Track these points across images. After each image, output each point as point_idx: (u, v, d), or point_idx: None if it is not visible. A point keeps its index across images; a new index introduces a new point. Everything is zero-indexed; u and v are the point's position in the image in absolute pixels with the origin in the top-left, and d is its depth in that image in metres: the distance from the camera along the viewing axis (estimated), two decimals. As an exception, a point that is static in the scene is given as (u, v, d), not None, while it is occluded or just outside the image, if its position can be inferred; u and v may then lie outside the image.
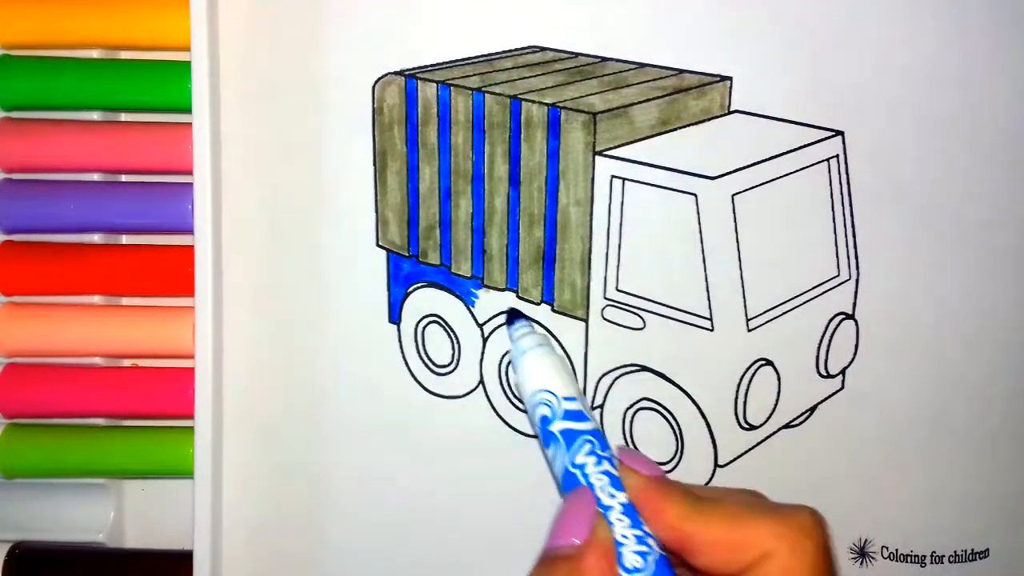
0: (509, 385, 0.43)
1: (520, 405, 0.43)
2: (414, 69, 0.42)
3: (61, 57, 0.45)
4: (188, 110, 0.42)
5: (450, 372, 0.44)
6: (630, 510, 0.31)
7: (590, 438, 0.32)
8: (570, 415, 0.32)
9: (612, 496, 0.31)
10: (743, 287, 0.40)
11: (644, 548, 0.30)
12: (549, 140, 0.40)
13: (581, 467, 0.31)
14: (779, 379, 0.41)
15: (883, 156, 0.41)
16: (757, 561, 0.28)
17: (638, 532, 0.30)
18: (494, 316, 0.43)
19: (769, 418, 0.42)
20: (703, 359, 0.40)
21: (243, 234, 0.43)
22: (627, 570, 0.30)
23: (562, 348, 0.42)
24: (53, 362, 0.47)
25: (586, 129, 0.39)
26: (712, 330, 0.40)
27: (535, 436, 0.43)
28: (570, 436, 0.32)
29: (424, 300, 0.44)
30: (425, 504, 0.44)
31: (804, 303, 0.41)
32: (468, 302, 0.43)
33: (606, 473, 0.31)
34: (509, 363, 0.43)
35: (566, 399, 0.33)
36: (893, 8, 0.40)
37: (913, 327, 0.42)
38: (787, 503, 0.30)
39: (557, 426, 0.32)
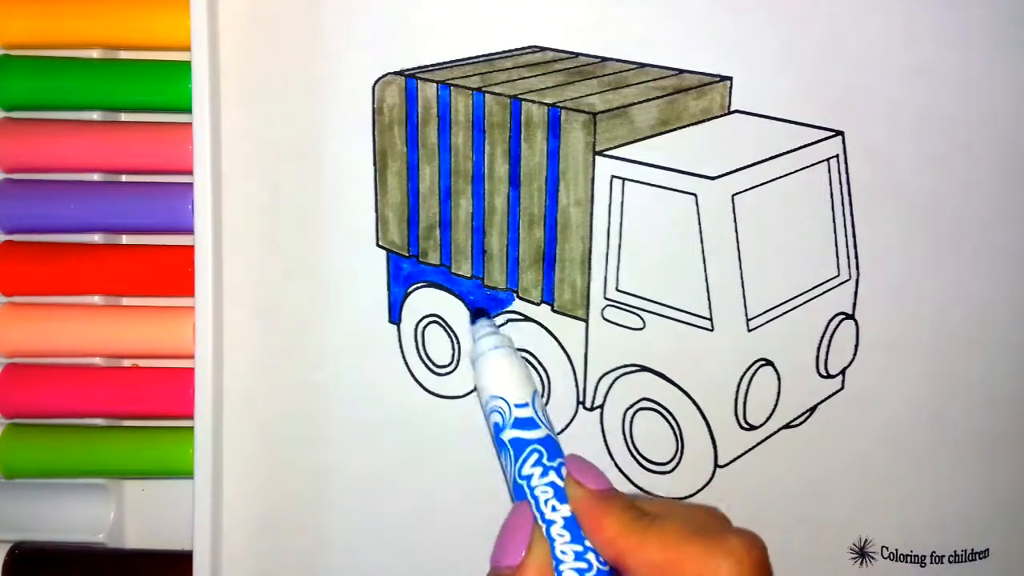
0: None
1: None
2: (414, 69, 0.42)
3: (61, 57, 0.45)
4: (188, 110, 0.42)
5: (450, 372, 0.44)
6: (571, 524, 0.30)
7: (538, 448, 0.32)
8: (520, 423, 0.32)
9: (555, 510, 0.30)
10: (743, 287, 0.40)
11: (582, 565, 0.29)
12: (549, 140, 0.40)
13: (528, 479, 0.31)
14: (779, 379, 0.41)
15: (883, 156, 0.41)
16: None
17: (577, 548, 0.30)
18: (496, 315, 0.43)
19: (769, 418, 0.42)
20: (703, 359, 0.40)
21: (243, 234, 0.43)
22: None
23: (561, 348, 0.42)
24: (53, 362, 0.47)
25: (586, 129, 0.39)
26: (712, 330, 0.40)
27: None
28: (519, 445, 0.32)
29: (424, 300, 0.44)
30: (425, 504, 0.44)
31: (804, 303, 0.41)
32: (468, 302, 0.43)
33: (551, 485, 0.31)
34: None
35: (518, 406, 0.32)
36: (893, 8, 0.40)
37: (913, 327, 0.42)
38: (732, 527, 0.30)
39: (507, 435, 0.32)
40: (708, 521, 0.30)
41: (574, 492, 0.31)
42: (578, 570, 0.30)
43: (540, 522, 0.31)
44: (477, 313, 0.37)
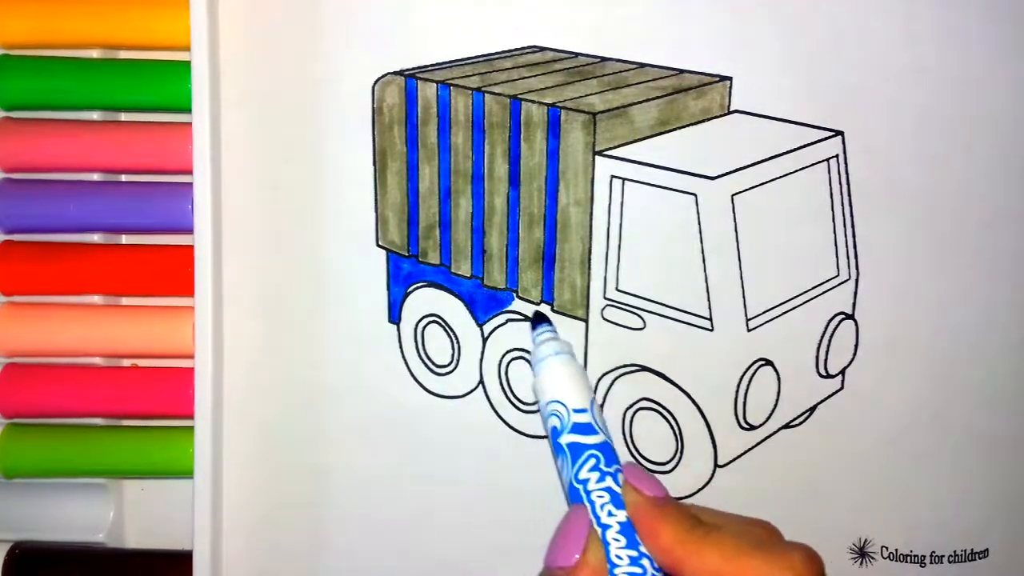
0: (509, 385, 0.43)
1: (520, 405, 0.43)
2: (414, 69, 0.42)
3: (61, 57, 0.45)
4: (188, 110, 0.42)
5: (450, 372, 0.44)
6: (628, 529, 0.30)
7: (596, 453, 0.32)
8: (578, 428, 0.32)
9: (611, 515, 0.31)
10: (743, 287, 0.40)
11: (637, 570, 0.30)
12: (549, 140, 0.40)
13: (584, 483, 0.31)
14: (779, 379, 0.41)
15: (883, 156, 0.41)
16: None
17: (632, 553, 0.30)
18: (495, 314, 0.43)
19: (769, 418, 0.42)
20: (703, 359, 0.40)
21: (243, 234, 0.43)
22: None
23: (562, 348, 0.42)
24: (53, 362, 0.47)
25: (586, 129, 0.39)
26: (712, 330, 0.40)
27: (539, 437, 0.43)
28: (576, 450, 0.32)
29: (424, 300, 0.44)
30: (425, 504, 0.44)
31: (804, 303, 0.41)
32: (468, 301, 0.43)
33: (608, 490, 0.31)
34: (509, 363, 0.43)
35: (576, 411, 0.32)
36: (892, 8, 0.40)
37: (913, 327, 0.42)
38: (788, 541, 0.30)
39: (565, 439, 0.32)
40: (765, 535, 0.30)
41: (631, 498, 0.31)
42: (632, 575, 0.30)
43: (596, 526, 0.31)
44: (537, 317, 0.37)
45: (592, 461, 0.32)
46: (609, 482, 0.31)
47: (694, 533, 0.29)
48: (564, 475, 0.32)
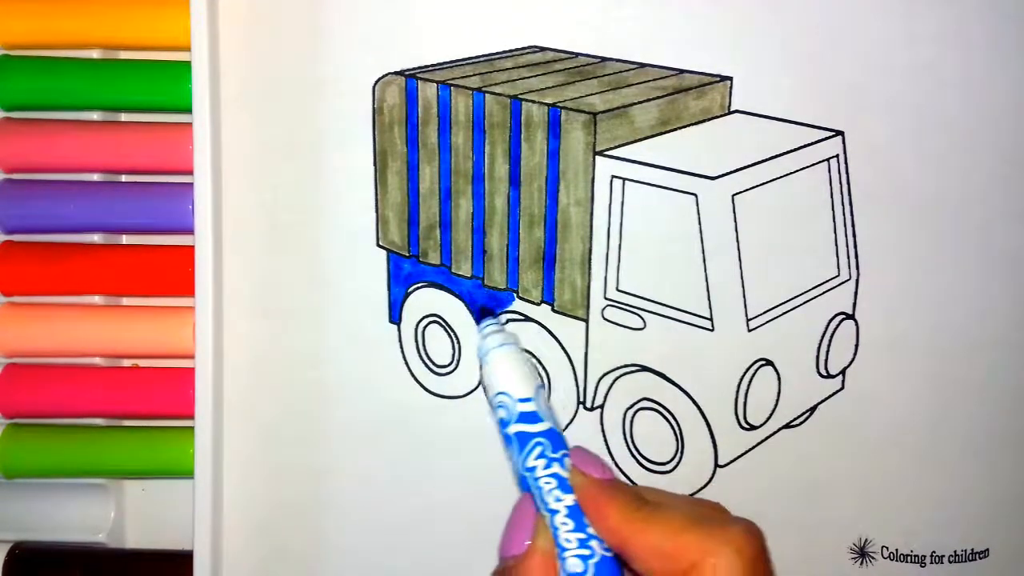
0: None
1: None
2: (414, 69, 0.42)
3: (61, 57, 0.45)
4: (188, 110, 0.42)
5: (450, 372, 0.44)
6: (575, 513, 0.31)
7: (541, 440, 0.32)
8: (524, 417, 0.32)
9: (559, 500, 0.31)
10: (743, 287, 0.40)
11: (585, 552, 0.30)
12: (549, 140, 0.40)
13: (532, 470, 0.32)
14: (779, 379, 0.41)
15: (883, 156, 0.41)
16: (686, 573, 0.28)
17: (581, 535, 0.30)
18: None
19: (769, 418, 0.42)
20: (703, 359, 0.40)
21: (243, 234, 0.43)
22: (569, 575, 0.30)
23: (562, 348, 0.42)
24: (53, 362, 0.47)
25: (586, 129, 0.39)
26: (712, 330, 0.40)
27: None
28: (523, 439, 0.32)
29: (424, 300, 0.44)
30: (425, 504, 0.44)
31: (804, 303, 0.41)
32: (469, 302, 0.43)
33: (555, 476, 0.31)
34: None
35: (521, 400, 0.33)
36: (893, 8, 0.40)
37: (913, 327, 0.42)
38: (732, 516, 0.30)
39: (512, 429, 0.33)
40: (709, 511, 0.31)
41: (578, 481, 0.31)
42: (581, 557, 0.30)
43: (544, 512, 0.31)
44: (483, 312, 0.38)
45: (538, 449, 0.32)
46: (556, 468, 0.32)
47: (639, 512, 0.30)
48: (514, 465, 0.33)
